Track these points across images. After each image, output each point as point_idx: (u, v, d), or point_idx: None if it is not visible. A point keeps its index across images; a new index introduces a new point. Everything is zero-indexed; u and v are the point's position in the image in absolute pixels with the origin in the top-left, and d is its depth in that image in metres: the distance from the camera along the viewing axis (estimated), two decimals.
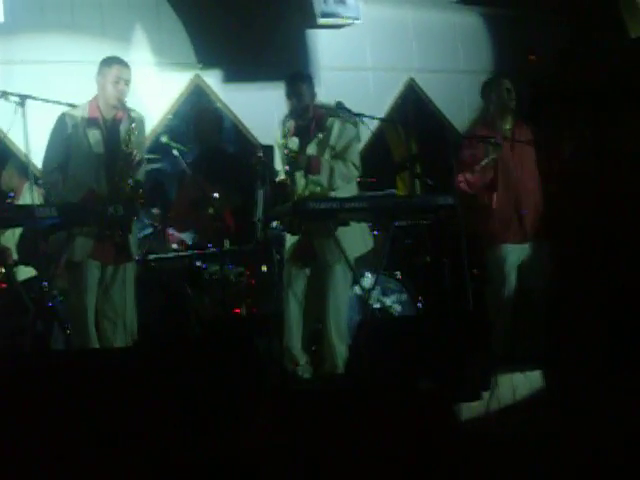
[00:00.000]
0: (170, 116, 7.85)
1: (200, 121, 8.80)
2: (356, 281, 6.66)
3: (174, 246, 7.57)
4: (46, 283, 5.96)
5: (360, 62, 8.47)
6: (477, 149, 6.79)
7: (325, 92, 7.48)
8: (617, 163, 8.03)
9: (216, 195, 7.16)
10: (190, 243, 7.73)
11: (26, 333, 6.06)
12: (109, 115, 6.07)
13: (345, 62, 8.36)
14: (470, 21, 8.96)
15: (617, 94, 8.31)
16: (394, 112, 8.54)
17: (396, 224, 6.80)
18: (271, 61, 7.90)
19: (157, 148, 7.72)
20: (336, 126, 6.54)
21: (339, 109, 6.59)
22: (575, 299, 7.35)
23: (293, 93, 6.54)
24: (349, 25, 8.23)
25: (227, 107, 7.96)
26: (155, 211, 7.52)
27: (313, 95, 6.62)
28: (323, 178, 6.47)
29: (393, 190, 8.35)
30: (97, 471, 4.36)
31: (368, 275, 7.21)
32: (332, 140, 6.54)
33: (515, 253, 6.83)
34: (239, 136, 8.24)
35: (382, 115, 8.14)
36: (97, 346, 5.92)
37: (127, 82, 6.08)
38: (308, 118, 6.57)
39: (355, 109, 6.60)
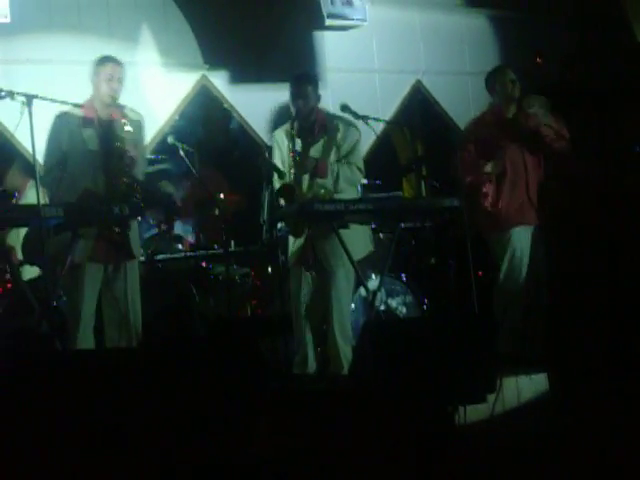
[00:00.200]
0: (176, 117, 7.85)
1: (206, 122, 8.80)
2: (361, 283, 6.65)
3: (179, 246, 7.57)
4: (51, 283, 5.97)
5: (367, 64, 8.47)
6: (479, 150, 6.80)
7: (331, 94, 7.49)
8: (621, 165, 8.03)
9: (221, 195, 7.17)
10: (195, 243, 7.74)
11: (31, 333, 6.07)
12: (104, 114, 6.09)
13: (352, 64, 8.36)
14: (477, 23, 8.96)
15: (624, 97, 8.31)
16: (400, 114, 8.54)
17: (402, 226, 6.81)
18: (278, 62, 7.90)
19: (163, 149, 7.73)
20: (340, 129, 6.53)
21: (344, 111, 6.59)
22: (577, 301, 7.35)
23: (299, 95, 6.53)
24: (356, 27, 8.24)
25: (233, 108, 7.97)
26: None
27: (318, 97, 6.61)
28: (329, 181, 6.47)
29: (399, 192, 8.35)
30: (100, 473, 4.36)
31: (373, 277, 7.21)
32: (336, 143, 6.53)
33: (526, 236, 6.81)
34: (245, 137, 8.24)
35: (388, 117, 8.14)
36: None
37: (120, 80, 6.10)
38: (312, 120, 6.56)
39: (361, 111, 6.60)
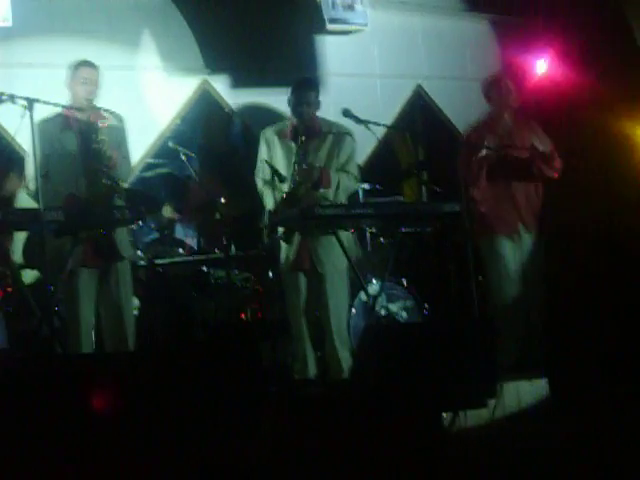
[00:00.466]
0: (178, 121, 7.86)
1: (207, 126, 8.80)
2: (361, 288, 6.65)
3: (180, 251, 7.57)
4: (52, 287, 5.98)
5: (368, 69, 8.47)
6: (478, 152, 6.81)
7: (333, 98, 7.48)
8: (623, 170, 8.04)
9: (222, 200, 7.16)
10: (195, 247, 7.73)
11: (32, 337, 6.07)
12: (83, 117, 6.11)
13: (353, 69, 8.36)
14: (478, 28, 8.95)
15: (625, 103, 8.31)
16: (401, 119, 8.53)
17: (402, 230, 6.81)
18: (279, 67, 7.90)
19: (164, 153, 7.73)
20: (337, 137, 6.54)
21: (346, 116, 6.59)
22: (577, 306, 7.36)
23: (304, 100, 6.52)
24: (357, 31, 8.24)
25: (234, 112, 7.97)
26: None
27: (319, 103, 6.62)
28: (330, 191, 6.47)
29: (400, 197, 8.35)
30: (101, 475, 4.36)
31: (374, 281, 7.21)
32: (335, 151, 6.53)
33: (510, 246, 6.81)
34: (246, 141, 8.24)
35: (390, 122, 8.13)
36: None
37: (95, 82, 6.16)
38: (310, 126, 6.56)
39: (362, 116, 6.60)
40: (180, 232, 7.98)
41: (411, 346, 5.45)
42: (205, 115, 8.56)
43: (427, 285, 7.93)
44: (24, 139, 5.87)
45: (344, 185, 6.53)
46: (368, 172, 7.63)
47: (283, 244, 6.48)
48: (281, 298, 6.44)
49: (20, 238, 6.85)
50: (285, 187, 6.43)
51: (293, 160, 6.48)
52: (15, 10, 6.93)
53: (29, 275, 6.99)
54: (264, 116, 7.84)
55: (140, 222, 6.92)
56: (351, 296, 6.90)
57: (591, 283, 7.73)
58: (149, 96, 7.61)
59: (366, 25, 8.21)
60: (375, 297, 6.53)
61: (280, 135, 6.58)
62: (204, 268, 7.52)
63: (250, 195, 7.09)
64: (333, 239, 6.33)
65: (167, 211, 7.68)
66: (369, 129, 6.59)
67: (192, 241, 7.80)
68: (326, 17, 8.03)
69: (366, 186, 7.55)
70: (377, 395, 5.27)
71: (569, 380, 6.10)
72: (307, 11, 8.07)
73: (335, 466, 4.81)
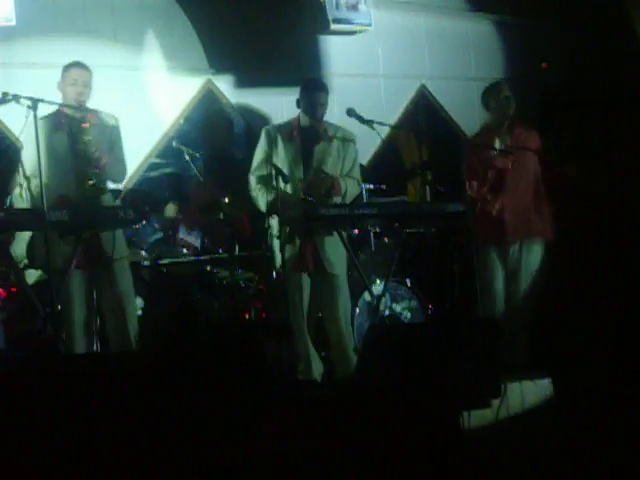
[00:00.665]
0: (181, 121, 7.86)
1: (211, 126, 8.80)
2: (365, 288, 6.65)
3: (184, 251, 7.57)
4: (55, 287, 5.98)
5: (372, 69, 8.48)
6: (484, 155, 6.80)
7: (337, 98, 7.48)
8: (627, 170, 8.03)
9: (226, 200, 7.16)
10: (199, 247, 7.74)
11: (36, 337, 6.07)
12: (75, 119, 6.10)
13: (357, 69, 8.37)
14: (482, 28, 8.96)
15: (628, 101, 8.30)
16: (405, 119, 8.54)
17: (406, 231, 6.80)
18: (283, 67, 7.90)
19: (169, 152, 7.73)
20: (343, 142, 6.54)
21: (350, 116, 6.58)
22: (581, 306, 7.35)
23: (317, 102, 6.50)
24: (361, 32, 8.25)
25: (238, 112, 7.98)
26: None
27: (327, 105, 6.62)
28: (339, 199, 6.48)
29: (404, 197, 8.35)
30: (104, 475, 4.36)
31: (378, 282, 7.21)
32: (341, 156, 6.54)
33: (502, 255, 6.82)
34: (250, 141, 8.24)
35: (393, 122, 8.14)
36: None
37: (85, 84, 6.12)
38: (319, 129, 6.55)
39: (366, 116, 6.59)
40: (184, 232, 7.98)
41: (415, 346, 5.45)
42: (209, 115, 8.56)
43: (431, 285, 7.94)
44: (26, 138, 5.86)
45: (350, 192, 6.56)
46: (372, 172, 7.63)
47: (277, 244, 6.42)
48: (284, 298, 6.43)
49: (24, 238, 6.85)
50: (289, 188, 6.42)
51: (301, 162, 6.46)
52: (18, 9, 6.94)
53: (33, 275, 7.00)
54: (268, 116, 7.85)
55: (144, 222, 6.93)
56: (355, 296, 6.90)
57: (594, 283, 7.73)
58: (153, 96, 7.63)
59: (370, 25, 8.22)
60: (379, 297, 6.52)
61: (284, 134, 6.55)
62: (208, 268, 7.53)
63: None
64: (335, 239, 6.33)
65: (170, 210, 7.67)
66: (373, 129, 6.59)
67: (196, 241, 7.79)
68: (330, 17, 8.04)
69: (371, 186, 7.55)
70: (381, 395, 5.27)
71: (573, 380, 6.09)
72: (311, 11, 8.08)
73: (339, 466, 4.82)
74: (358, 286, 6.86)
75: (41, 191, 5.49)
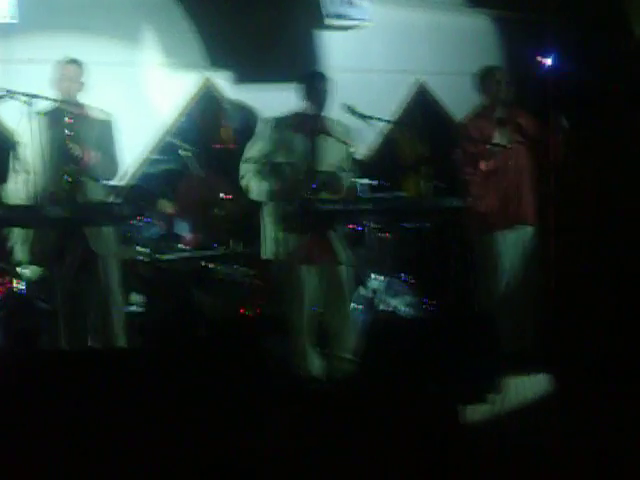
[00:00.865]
0: (181, 117, 7.86)
1: (210, 122, 8.81)
2: (362, 283, 6.66)
3: (181, 246, 7.58)
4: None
5: (369, 64, 8.46)
6: (479, 143, 6.82)
7: (334, 93, 7.48)
8: (621, 164, 8.03)
9: (224, 196, 7.18)
10: (195, 243, 7.75)
11: (37, 333, 6.09)
12: (63, 114, 6.09)
13: (354, 64, 8.35)
14: (480, 23, 8.95)
15: (624, 96, 8.31)
16: (403, 114, 8.53)
17: (405, 226, 6.82)
18: (281, 62, 7.90)
19: (168, 149, 7.74)
20: (342, 137, 6.55)
21: (348, 111, 6.59)
22: (579, 300, 7.36)
23: (324, 92, 6.51)
24: (358, 26, 8.24)
25: (237, 108, 7.98)
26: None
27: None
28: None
29: (401, 192, 8.35)
30: (102, 473, 4.38)
31: (375, 277, 7.22)
32: (340, 151, 6.55)
33: (503, 240, 6.82)
34: (248, 137, 8.24)
35: (391, 117, 8.13)
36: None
37: (75, 80, 6.14)
38: (321, 121, 6.55)
39: (364, 111, 6.60)
40: (180, 228, 7.99)
41: (412, 341, 5.46)
42: (208, 111, 8.56)
43: (429, 280, 7.95)
44: (21, 134, 5.87)
45: (350, 188, 6.57)
46: (370, 167, 7.62)
47: (289, 236, 6.41)
48: (282, 293, 6.43)
49: (21, 234, 6.86)
50: (284, 179, 6.41)
51: (299, 154, 6.46)
52: (17, 6, 6.94)
53: (34, 271, 7.01)
54: (267, 111, 7.85)
55: (140, 218, 6.94)
56: (352, 291, 6.91)
57: (594, 277, 7.73)
58: (152, 93, 7.62)
59: (367, 20, 8.21)
60: (376, 292, 6.53)
61: (283, 126, 6.54)
62: (205, 264, 7.54)
63: None
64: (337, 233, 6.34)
65: (166, 206, 7.68)
66: (370, 124, 6.59)
67: (193, 237, 7.80)
68: (327, 12, 8.04)
69: (372, 182, 7.54)
70: (378, 390, 5.29)
71: (570, 375, 6.11)
72: (308, 6, 8.08)
73: (337, 461, 4.83)
74: (355, 281, 6.87)
75: (34, 187, 5.51)
